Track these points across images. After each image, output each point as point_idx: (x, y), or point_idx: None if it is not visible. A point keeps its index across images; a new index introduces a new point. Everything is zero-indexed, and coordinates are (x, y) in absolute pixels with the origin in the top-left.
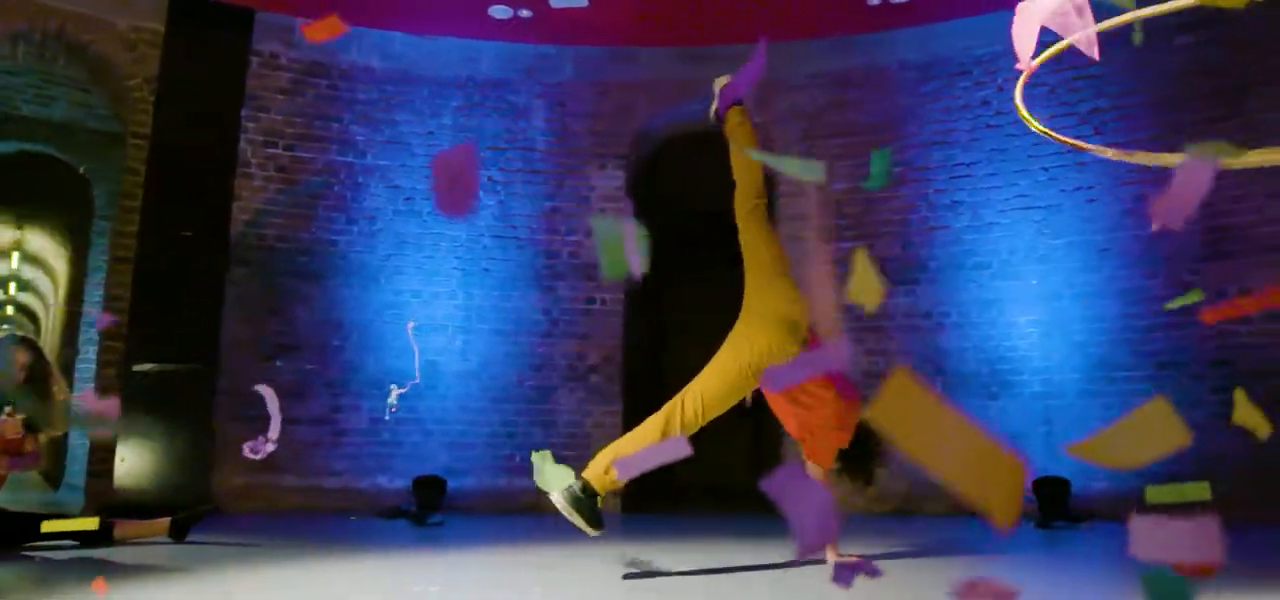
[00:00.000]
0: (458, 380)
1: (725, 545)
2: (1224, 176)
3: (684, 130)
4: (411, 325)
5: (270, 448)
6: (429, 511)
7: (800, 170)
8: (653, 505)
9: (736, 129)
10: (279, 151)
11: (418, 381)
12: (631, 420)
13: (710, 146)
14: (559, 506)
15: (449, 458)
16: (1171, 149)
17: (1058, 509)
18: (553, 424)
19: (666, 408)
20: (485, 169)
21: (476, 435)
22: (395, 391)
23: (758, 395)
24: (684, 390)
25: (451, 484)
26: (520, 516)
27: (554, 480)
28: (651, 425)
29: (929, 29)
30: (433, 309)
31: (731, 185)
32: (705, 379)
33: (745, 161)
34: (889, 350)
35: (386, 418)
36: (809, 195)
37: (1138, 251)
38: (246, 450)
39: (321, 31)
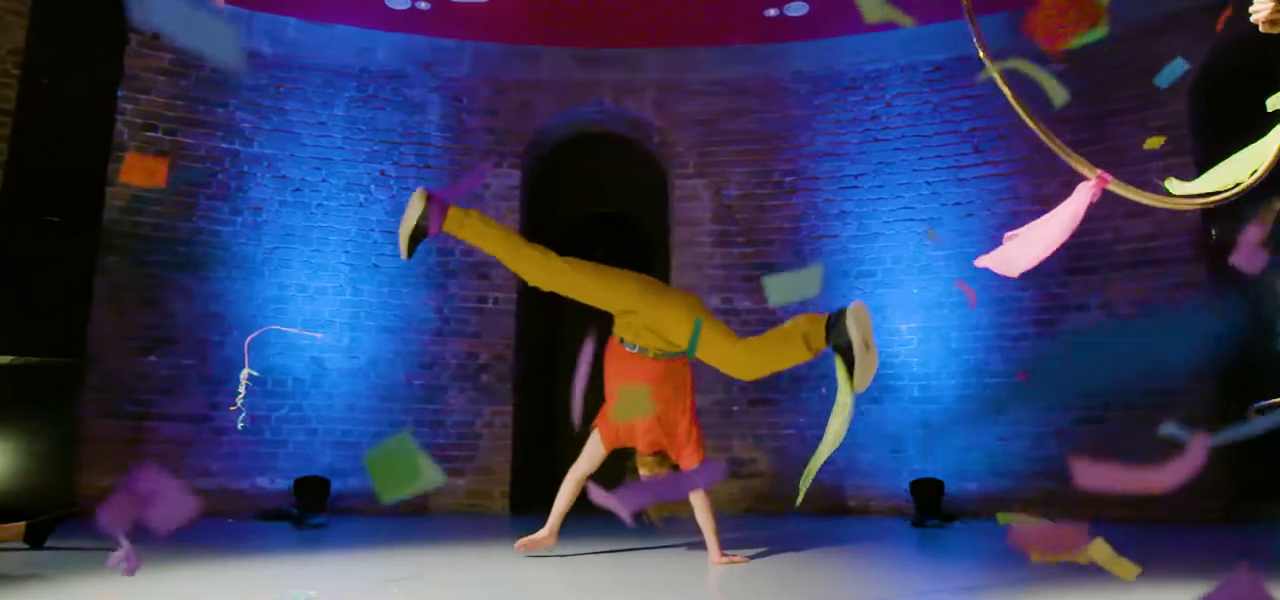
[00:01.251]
0: (344, 378)
1: (622, 539)
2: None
3: (582, 130)
4: (246, 374)
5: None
6: (311, 513)
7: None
8: (545, 504)
9: (466, 230)
10: (159, 136)
11: (245, 394)
12: (523, 420)
13: (608, 148)
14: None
15: (334, 458)
16: (1042, 170)
17: (932, 509)
18: (442, 423)
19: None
20: (377, 163)
21: (363, 434)
22: (243, 390)
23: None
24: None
25: (336, 485)
26: (406, 518)
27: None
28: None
29: (823, 43)
30: (319, 304)
31: (626, 189)
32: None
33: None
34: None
35: (238, 425)
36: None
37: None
38: (110, 564)
39: (138, 175)
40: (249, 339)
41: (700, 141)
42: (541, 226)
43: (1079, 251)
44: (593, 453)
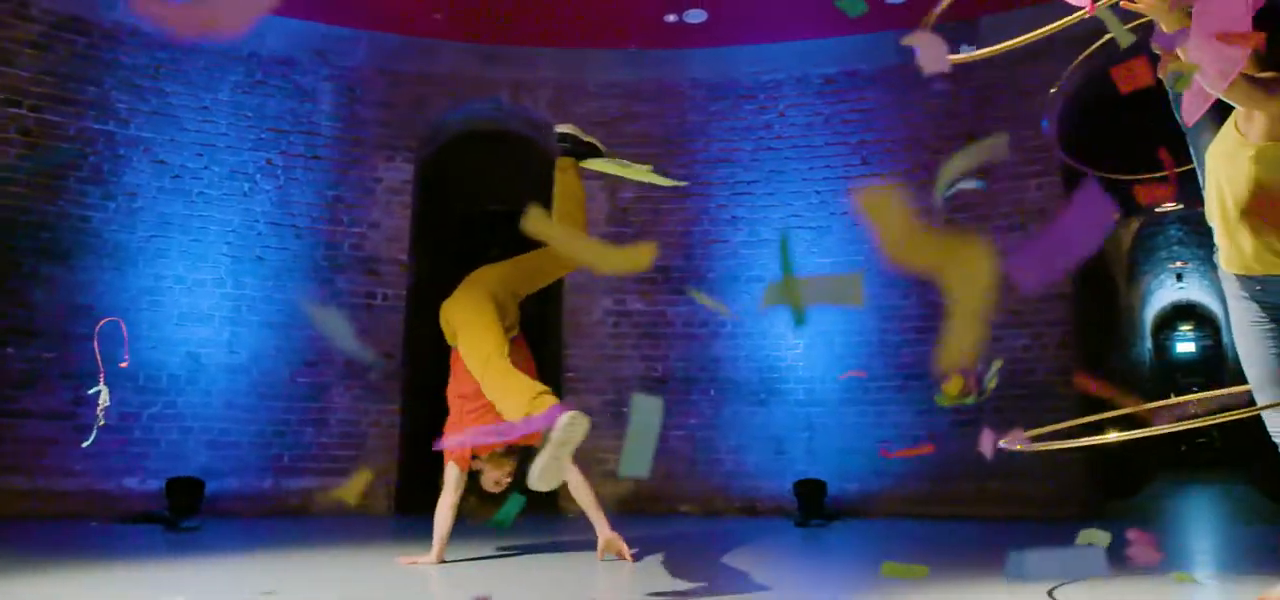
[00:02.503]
0: (223, 374)
1: (512, 540)
2: (965, 211)
3: (478, 127)
4: (102, 404)
5: None
6: (183, 516)
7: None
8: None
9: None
10: (24, 112)
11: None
12: (410, 420)
13: (504, 145)
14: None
15: (209, 458)
16: (924, 184)
17: (815, 508)
18: (326, 422)
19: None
20: (263, 151)
21: (242, 433)
22: (103, 396)
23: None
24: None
25: (211, 485)
26: (287, 519)
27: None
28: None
29: (720, 51)
30: (197, 297)
31: (522, 188)
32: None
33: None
34: (667, 357)
35: (97, 426)
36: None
37: (892, 273)
38: None
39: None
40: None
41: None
42: (434, 223)
43: None
44: (451, 479)
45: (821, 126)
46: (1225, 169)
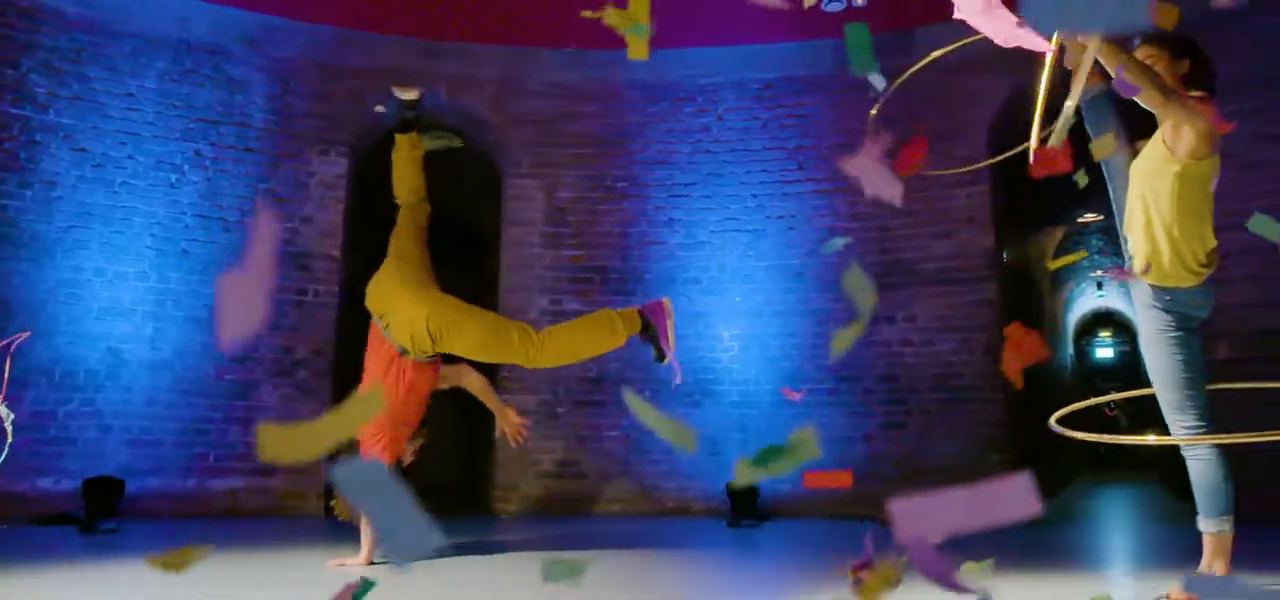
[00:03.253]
0: (145, 371)
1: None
2: (898, 218)
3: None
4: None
5: None
6: (100, 517)
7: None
8: None
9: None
10: None
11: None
12: None
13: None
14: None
15: (130, 457)
16: (857, 191)
17: (747, 509)
18: (253, 421)
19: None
20: (192, 142)
21: (164, 432)
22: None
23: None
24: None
25: (131, 486)
26: (211, 521)
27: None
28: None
29: (660, 54)
30: (119, 290)
31: (458, 186)
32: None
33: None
34: (603, 358)
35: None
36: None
37: (827, 277)
38: None
39: None
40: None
41: (536, 142)
42: (367, 219)
43: (890, 268)
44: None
45: (759, 131)
46: (1150, 183)
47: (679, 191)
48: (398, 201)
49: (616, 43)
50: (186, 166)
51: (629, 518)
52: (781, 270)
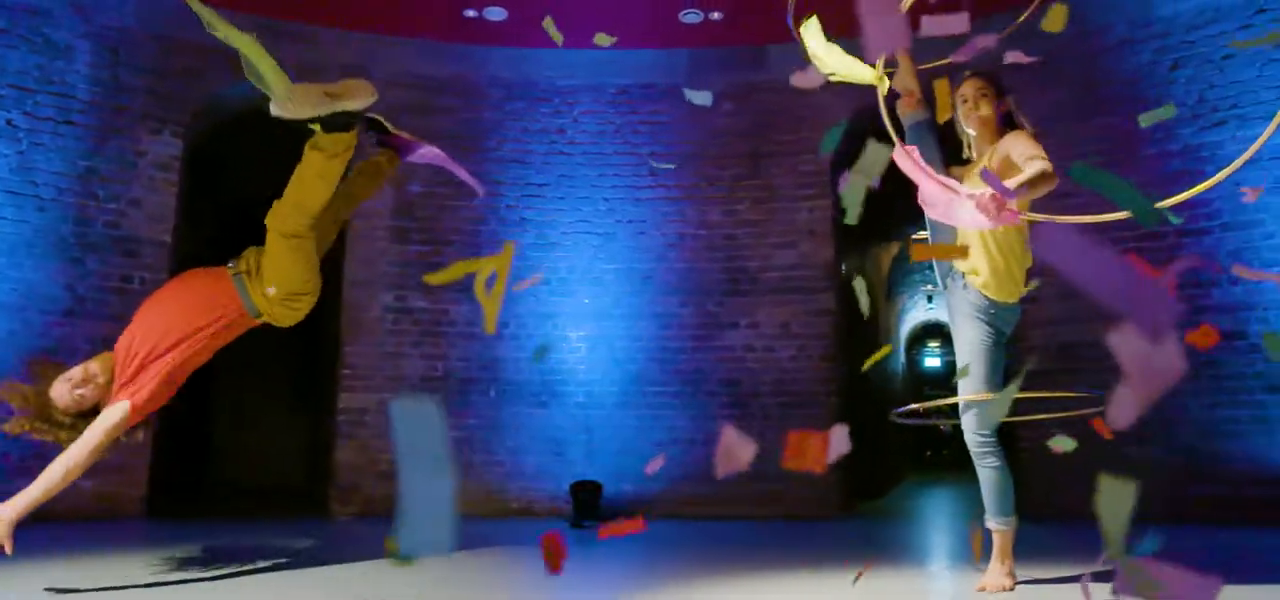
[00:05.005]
0: None
1: (260, 545)
2: (743, 226)
3: (259, 106)
4: None
5: None
6: None
7: None
8: (181, 510)
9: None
10: None
11: None
12: (167, 414)
13: (285, 128)
14: None
15: None
16: (708, 199)
17: (590, 510)
18: None
19: None
20: (3, 110)
21: None
22: None
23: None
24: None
25: None
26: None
27: None
28: None
29: (518, 52)
30: None
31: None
32: None
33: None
34: (448, 356)
35: None
36: None
37: (673, 282)
38: None
39: None
40: None
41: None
42: (203, 205)
43: (734, 276)
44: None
45: (613, 135)
46: None
47: (532, 191)
48: (295, 227)
49: (475, 36)
50: None
51: (472, 519)
52: (630, 273)
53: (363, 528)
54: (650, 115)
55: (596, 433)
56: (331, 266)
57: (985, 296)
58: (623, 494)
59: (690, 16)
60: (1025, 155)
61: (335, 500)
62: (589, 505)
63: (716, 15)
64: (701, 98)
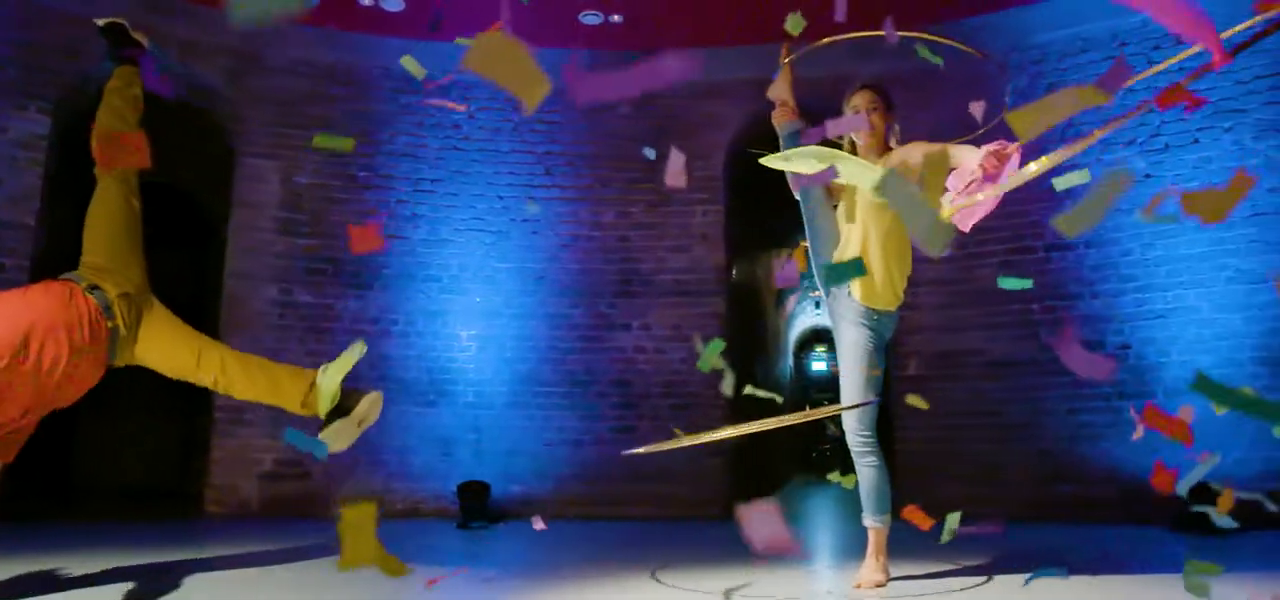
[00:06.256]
0: None
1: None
2: (637, 229)
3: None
4: None
5: None
6: None
7: None
8: (45, 511)
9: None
10: None
11: None
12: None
13: (167, 111)
14: None
15: None
16: (602, 200)
17: (478, 511)
18: None
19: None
20: None
21: None
22: None
23: None
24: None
25: None
26: None
27: None
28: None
29: (414, 43)
30: None
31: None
32: None
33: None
34: (334, 353)
35: None
36: None
37: (565, 282)
38: None
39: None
40: None
41: (275, 121)
42: (73, 188)
43: (626, 276)
44: None
45: (510, 133)
46: (874, 217)
47: (425, 187)
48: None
49: (372, 25)
50: None
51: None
52: (522, 273)
53: (238, 529)
54: (547, 114)
55: (485, 433)
56: (215, 256)
57: (865, 304)
58: (511, 494)
59: (590, 18)
60: (928, 152)
61: (211, 501)
62: (477, 506)
63: (616, 18)
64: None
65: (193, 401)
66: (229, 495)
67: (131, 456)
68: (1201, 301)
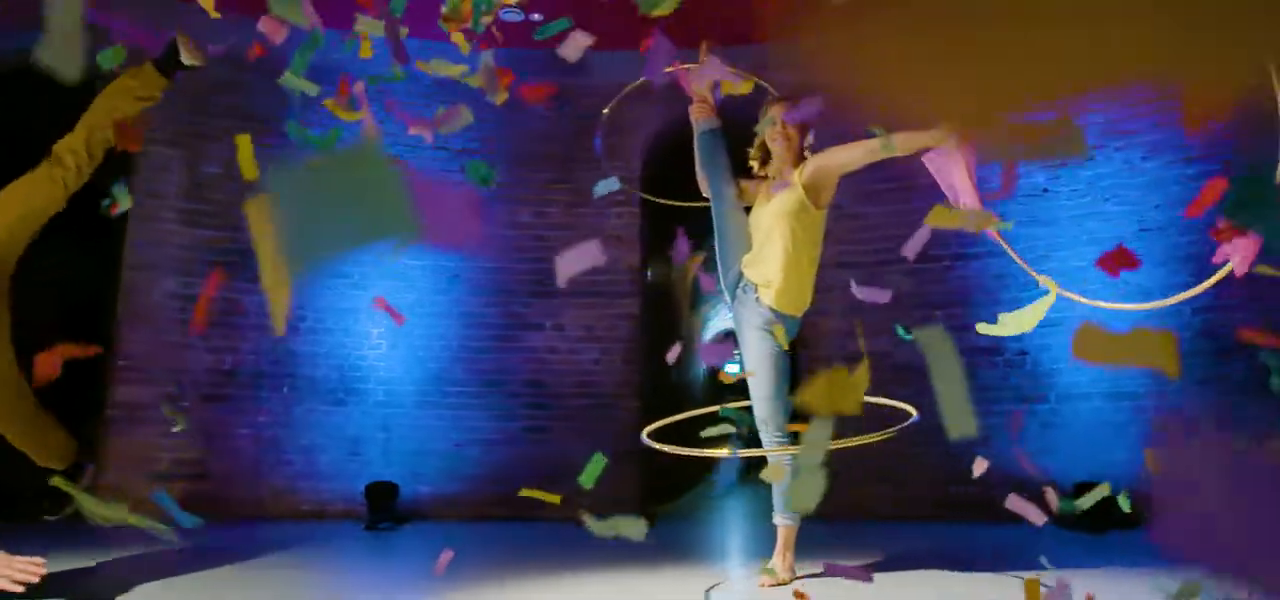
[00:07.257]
0: None
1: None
2: (553, 229)
3: (30, 65)
4: None
5: None
6: None
7: None
8: None
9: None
10: None
11: None
12: None
13: (61, 93)
14: None
15: None
16: (518, 199)
17: (385, 511)
18: None
19: None
20: None
21: None
22: None
23: None
24: None
25: None
26: None
27: None
28: None
29: (332, 33)
30: None
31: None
32: None
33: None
34: (240, 349)
35: None
36: None
37: (481, 281)
38: None
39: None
40: None
41: (181, 109)
42: None
43: (541, 276)
44: None
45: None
46: (790, 223)
47: None
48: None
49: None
50: None
51: (260, 521)
52: (437, 271)
53: (126, 533)
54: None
55: (395, 432)
56: (112, 246)
57: (772, 309)
58: (420, 495)
59: (510, 14)
60: (847, 147)
61: (106, 504)
62: (385, 506)
63: (537, 16)
64: (607, 185)
65: (85, 397)
66: (123, 497)
67: (11, 455)
68: (1094, 311)
